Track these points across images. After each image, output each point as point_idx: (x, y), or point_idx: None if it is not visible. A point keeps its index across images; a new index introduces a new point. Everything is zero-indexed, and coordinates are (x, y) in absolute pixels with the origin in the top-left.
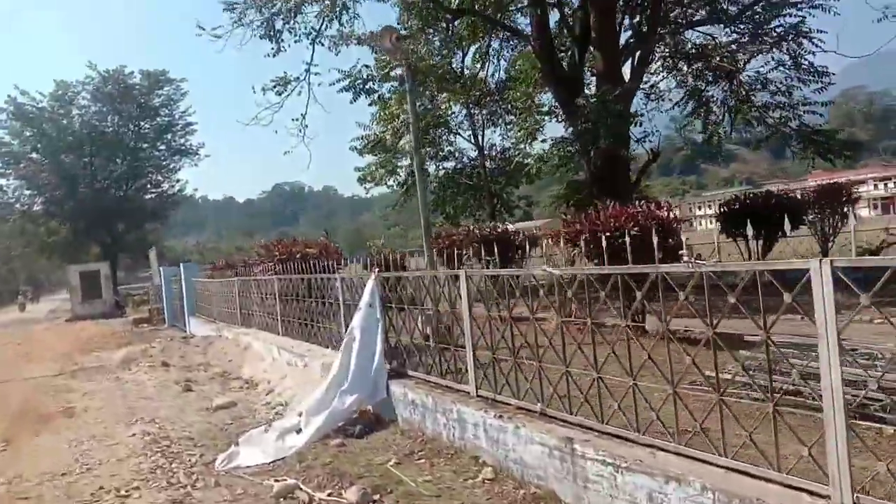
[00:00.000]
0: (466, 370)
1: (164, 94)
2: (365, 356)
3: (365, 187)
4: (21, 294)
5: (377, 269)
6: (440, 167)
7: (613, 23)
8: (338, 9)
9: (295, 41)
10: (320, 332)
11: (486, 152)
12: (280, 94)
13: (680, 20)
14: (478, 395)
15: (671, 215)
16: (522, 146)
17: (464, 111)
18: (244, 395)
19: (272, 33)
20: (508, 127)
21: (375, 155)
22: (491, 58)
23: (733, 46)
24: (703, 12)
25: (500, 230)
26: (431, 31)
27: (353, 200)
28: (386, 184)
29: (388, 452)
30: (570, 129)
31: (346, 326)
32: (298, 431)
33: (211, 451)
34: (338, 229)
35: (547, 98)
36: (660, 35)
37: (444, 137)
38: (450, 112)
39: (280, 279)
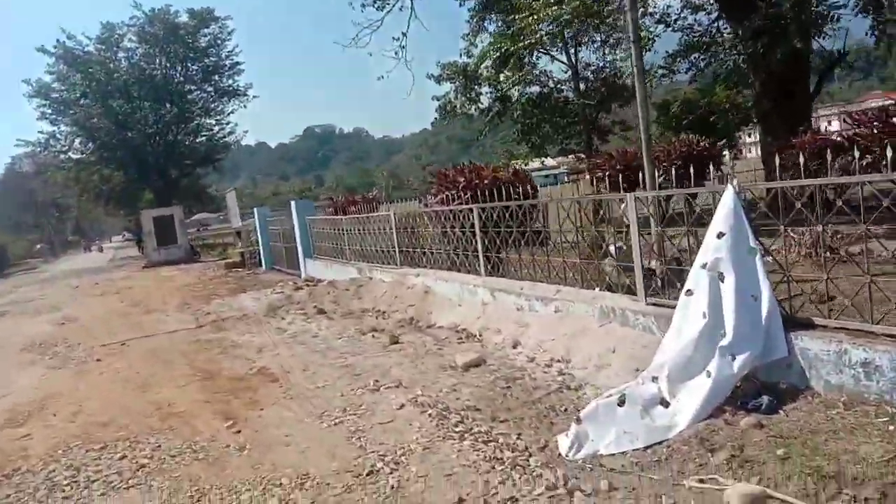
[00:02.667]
0: None
1: (210, 33)
2: (744, 300)
3: (444, 117)
4: (85, 240)
5: (734, 179)
6: (524, 93)
7: None
8: None
9: None
10: (575, 271)
11: (579, 73)
12: (381, 10)
13: None
14: None
15: None
16: (624, 62)
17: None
18: (482, 349)
19: None
20: (608, 42)
21: (454, 82)
22: None
23: None
24: None
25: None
26: None
27: (384, 141)
28: (467, 112)
29: (852, 436)
30: (727, 31)
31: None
32: (665, 404)
33: (525, 429)
34: (372, 171)
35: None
36: None
37: (527, 59)
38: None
39: (481, 208)
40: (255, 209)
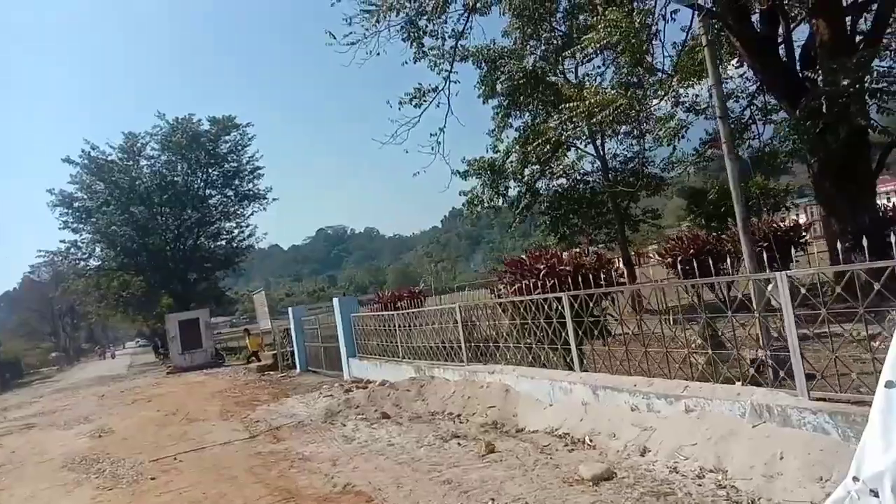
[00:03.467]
0: None
1: (231, 139)
2: None
3: (472, 211)
4: (98, 348)
5: None
6: (551, 185)
7: None
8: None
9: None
10: (706, 363)
11: (608, 164)
12: (418, 107)
13: None
14: None
15: None
16: (652, 151)
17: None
18: (602, 458)
19: (414, 34)
20: (636, 132)
21: (480, 177)
22: None
23: None
24: None
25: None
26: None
27: (395, 240)
28: (495, 206)
29: None
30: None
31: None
32: None
33: None
34: (384, 269)
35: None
36: None
37: (552, 154)
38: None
39: (573, 296)
40: (289, 309)
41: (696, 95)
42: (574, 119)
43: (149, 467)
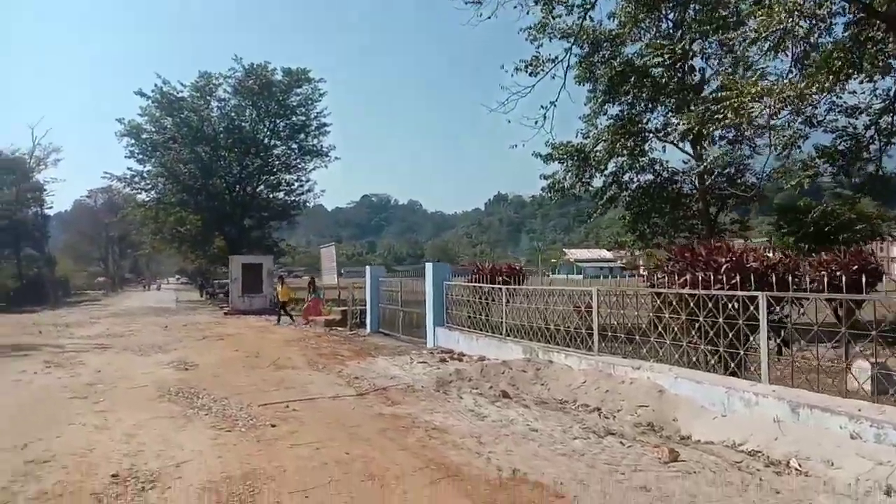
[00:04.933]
0: None
1: (303, 92)
2: None
3: (550, 196)
4: (142, 278)
5: None
6: (636, 179)
7: None
8: None
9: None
10: None
11: (706, 165)
12: (533, 76)
13: None
14: None
15: None
16: (751, 160)
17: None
18: (825, 488)
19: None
20: (737, 136)
21: (564, 162)
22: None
23: None
24: None
25: None
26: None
27: (436, 216)
28: (575, 194)
29: None
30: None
31: None
32: None
33: None
34: (422, 244)
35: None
36: None
37: (640, 147)
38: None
39: (773, 297)
40: (367, 268)
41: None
42: (722, 110)
43: (261, 412)
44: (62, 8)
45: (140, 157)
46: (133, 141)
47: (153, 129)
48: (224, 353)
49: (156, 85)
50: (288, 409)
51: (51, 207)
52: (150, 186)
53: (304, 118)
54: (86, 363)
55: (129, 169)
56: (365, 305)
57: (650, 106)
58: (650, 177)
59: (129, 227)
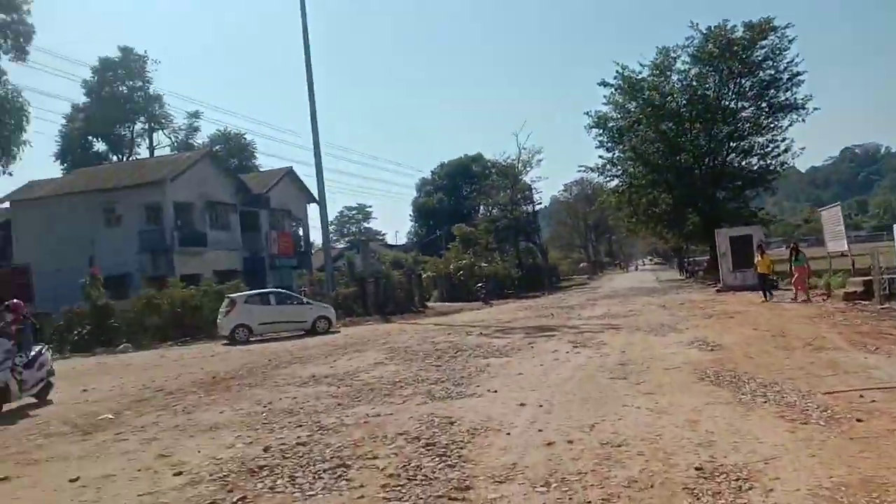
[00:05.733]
0: None
1: (768, 44)
2: None
3: None
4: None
5: None
6: None
7: None
8: None
9: None
10: None
11: None
12: None
13: None
14: None
15: None
16: None
17: None
18: None
19: None
20: None
21: None
22: None
23: None
24: None
25: None
26: None
27: None
28: None
29: None
30: None
31: None
32: None
33: None
34: None
35: None
36: None
37: None
38: None
39: None
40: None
41: None
42: None
43: (829, 402)
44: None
45: (608, 144)
46: (601, 130)
47: (618, 116)
48: (742, 331)
49: (616, 72)
50: (863, 398)
51: (540, 203)
52: (620, 172)
53: (772, 72)
54: (607, 343)
55: (599, 157)
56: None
57: None
58: None
59: (603, 214)
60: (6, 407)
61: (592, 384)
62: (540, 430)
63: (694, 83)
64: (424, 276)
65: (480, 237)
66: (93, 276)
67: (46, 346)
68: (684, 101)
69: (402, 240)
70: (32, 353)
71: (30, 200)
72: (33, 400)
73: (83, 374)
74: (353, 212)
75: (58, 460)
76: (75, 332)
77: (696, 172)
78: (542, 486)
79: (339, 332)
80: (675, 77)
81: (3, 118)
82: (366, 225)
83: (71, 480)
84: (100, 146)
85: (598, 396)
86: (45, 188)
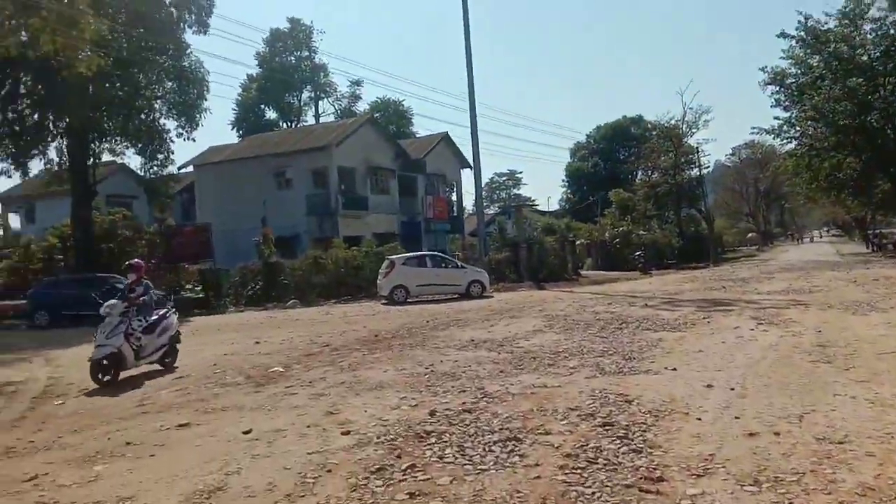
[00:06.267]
0: None
1: None
2: None
3: None
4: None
5: None
6: None
7: None
8: None
9: None
10: None
11: None
12: None
13: None
14: None
15: None
16: None
17: None
18: None
19: None
20: None
21: None
22: None
23: None
24: None
25: None
26: None
27: None
28: None
29: None
30: None
31: None
32: None
33: None
34: None
35: None
36: None
37: None
38: None
39: None
40: None
41: None
42: None
43: None
44: None
45: (786, 103)
46: (777, 88)
47: (799, 72)
48: None
49: (799, 22)
50: None
51: (708, 167)
52: (798, 133)
53: None
54: (796, 321)
55: (775, 118)
56: None
57: None
58: None
59: (776, 181)
60: (124, 374)
61: (790, 367)
62: (737, 418)
63: (892, 31)
64: (578, 242)
65: (639, 203)
66: (265, 236)
67: (172, 309)
68: (878, 54)
69: (554, 206)
70: (154, 317)
71: (210, 165)
72: (158, 367)
73: (255, 326)
74: (504, 178)
75: (232, 410)
76: (249, 287)
77: (888, 133)
78: (750, 484)
79: (492, 296)
80: (867, 27)
81: (187, 88)
82: (515, 191)
83: (244, 432)
84: (271, 114)
85: (801, 382)
86: (224, 153)
